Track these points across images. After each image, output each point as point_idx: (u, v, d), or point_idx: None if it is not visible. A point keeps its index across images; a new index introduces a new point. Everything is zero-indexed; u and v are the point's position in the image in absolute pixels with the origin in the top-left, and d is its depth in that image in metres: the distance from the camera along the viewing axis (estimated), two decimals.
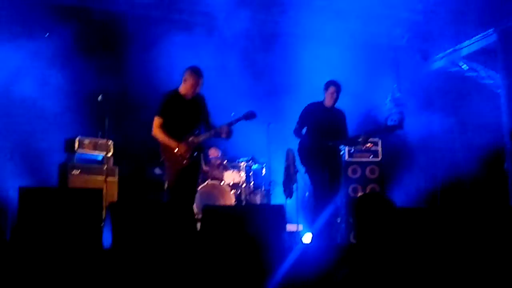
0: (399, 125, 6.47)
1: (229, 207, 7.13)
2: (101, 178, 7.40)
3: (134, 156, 8.45)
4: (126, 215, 4.84)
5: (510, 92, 9.43)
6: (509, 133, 8.67)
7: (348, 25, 9.53)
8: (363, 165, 8.23)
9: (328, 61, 8.64)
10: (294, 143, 6.84)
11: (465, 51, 10.18)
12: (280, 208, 5.19)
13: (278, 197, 8.54)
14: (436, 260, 4.77)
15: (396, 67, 10.19)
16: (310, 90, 7.24)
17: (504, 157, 9.06)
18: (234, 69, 9.13)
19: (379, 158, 8.28)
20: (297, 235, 7.80)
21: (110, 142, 7.78)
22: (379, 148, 8.27)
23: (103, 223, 4.98)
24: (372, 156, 8.30)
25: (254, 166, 8.52)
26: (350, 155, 8.24)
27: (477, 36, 9.97)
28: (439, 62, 10.25)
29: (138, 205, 5.06)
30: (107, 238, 4.84)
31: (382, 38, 10.23)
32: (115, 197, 7.41)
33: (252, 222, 5.05)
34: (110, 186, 7.32)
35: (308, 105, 6.67)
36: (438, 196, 9.10)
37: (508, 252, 5.00)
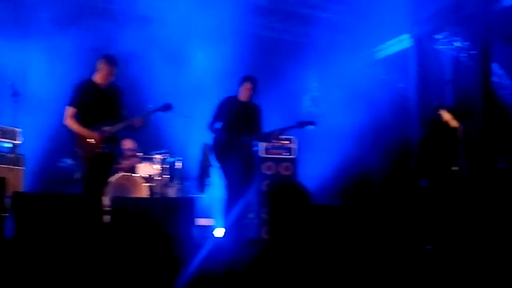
0: (312, 121, 6.55)
1: (139, 199, 7.05)
2: (6, 166, 7.13)
3: (45, 145, 8.23)
4: (30, 205, 4.73)
5: (420, 96, 9.81)
6: (418, 142, 8.99)
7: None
8: (278, 161, 8.32)
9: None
10: (210, 138, 6.82)
11: (380, 54, 10.52)
12: (190, 202, 5.18)
13: (192, 191, 8.52)
14: (347, 256, 4.89)
15: (319, 66, 10.35)
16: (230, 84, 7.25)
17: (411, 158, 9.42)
18: (155, 61, 9.04)
19: (294, 155, 8.39)
20: (209, 230, 7.80)
21: (18, 130, 7.50)
22: (294, 146, 8.38)
23: (6, 213, 4.83)
24: (287, 153, 8.40)
25: (170, 160, 8.45)
26: (265, 151, 8.31)
27: (392, 40, 10.34)
28: (356, 64, 10.51)
29: (43, 195, 4.97)
30: (10, 228, 4.73)
31: (304, 37, 10.40)
32: (20, 187, 7.15)
33: (160, 214, 5.02)
34: (15, 175, 7.06)
35: (224, 99, 6.64)
36: (349, 194, 9.35)
37: (415, 249, 5.20)
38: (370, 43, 10.39)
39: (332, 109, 9.70)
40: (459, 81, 9.11)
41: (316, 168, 9.50)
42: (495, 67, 9.23)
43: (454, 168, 7.10)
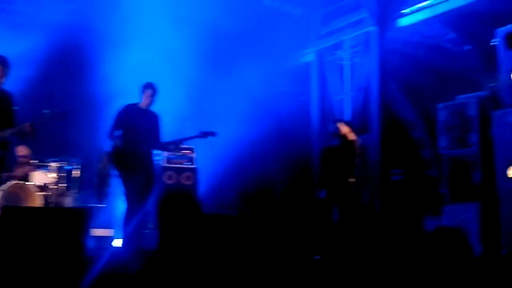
0: (213, 132, 6.54)
1: (31, 208, 6.74)
2: None
3: None
4: None
5: (321, 109, 10.08)
6: (318, 153, 9.17)
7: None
8: (179, 171, 8.25)
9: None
10: (109, 146, 6.65)
11: (283, 67, 10.73)
12: (84, 212, 5.02)
13: (91, 201, 8.27)
14: (238, 265, 4.89)
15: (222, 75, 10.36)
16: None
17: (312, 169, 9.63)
18: (50, 63, 8.75)
19: (195, 165, 8.36)
20: (108, 240, 7.61)
21: None
22: (194, 155, 8.36)
23: None
24: (188, 162, 8.35)
25: (66, 168, 8.16)
26: (167, 160, 8.22)
27: (296, 54, 10.58)
28: (258, 75, 10.63)
29: None
30: None
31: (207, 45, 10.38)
32: None
33: (54, 225, 4.83)
34: None
35: (123, 106, 6.49)
36: (249, 203, 9.42)
37: (304, 258, 5.28)
38: (274, 55, 10.55)
39: (234, 119, 9.74)
40: (357, 95, 9.43)
41: (217, 177, 9.52)
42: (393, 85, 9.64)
43: (351, 180, 7.30)
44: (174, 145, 6.41)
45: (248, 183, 9.84)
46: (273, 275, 4.85)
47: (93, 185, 8.27)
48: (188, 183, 8.27)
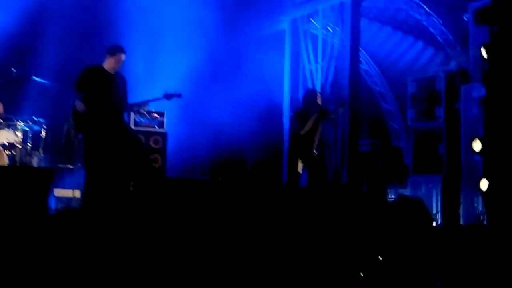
0: (179, 94, 6.35)
1: None
2: None
3: None
4: None
5: (292, 77, 10.09)
6: (292, 114, 9.19)
7: None
8: (148, 134, 8.21)
9: None
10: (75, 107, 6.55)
11: (257, 35, 10.69)
12: (48, 172, 5.00)
13: (58, 161, 8.22)
14: (214, 231, 4.93)
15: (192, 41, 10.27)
16: None
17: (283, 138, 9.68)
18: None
19: (164, 129, 8.33)
20: (72, 201, 7.57)
21: None
22: (165, 119, 8.32)
23: None
24: (157, 126, 8.32)
25: (33, 127, 8.05)
26: (135, 124, 8.17)
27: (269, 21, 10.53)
28: (232, 42, 10.58)
29: None
30: None
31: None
32: None
33: (17, 183, 4.80)
34: None
35: (88, 69, 6.29)
36: (219, 170, 9.46)
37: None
38: (248, 22, 10.49)
39: (205, 85, 9.72)
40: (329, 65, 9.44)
41: (188, 143, 9.52)
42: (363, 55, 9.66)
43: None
44: (137, 107, 6.29)
45: (220, 151, 9.84)
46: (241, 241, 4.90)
47: (60, 146, 8.23)
48: (156, 147, 8.24)
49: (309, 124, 7.08)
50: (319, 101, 7.37)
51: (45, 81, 7.67)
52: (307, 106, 7.30)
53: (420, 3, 9.60)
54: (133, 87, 6.38)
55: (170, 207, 5.17)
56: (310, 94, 7.60)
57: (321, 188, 6.92)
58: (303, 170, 7.36)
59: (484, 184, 6.17)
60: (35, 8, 8.73)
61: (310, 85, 9.68)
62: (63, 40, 8.80)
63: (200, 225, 5.07)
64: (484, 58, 6.37)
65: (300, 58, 10.10)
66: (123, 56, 6.24)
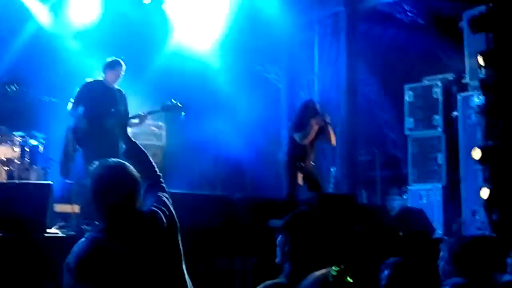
0: (177, 105, 6.12)
1: None
2: None
3: None
4: None
5: (289, 87, 10.07)
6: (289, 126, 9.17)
7: None
8: (146, 148, 8.17)
9: None
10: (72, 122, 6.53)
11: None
12: (46, 187, 4.97)
13: (55, 176, 8.16)
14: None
15: None
16: None
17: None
18: None
19: (163, 143, 8.30)
20: (71, 216, 7.51)
21: None
22: (164, 132, 8.29)
23: None
24: (156, 140, 8.29)
25: (31, 142, 8.02)
26: (132, 137, 8.14)
27: None
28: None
29: None
30: None
31: None
32: None
33: (15, 200, 4.78)
34: None
35: (87, 84, 6.30)
36: (217, 185, 9.37)
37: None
38: None
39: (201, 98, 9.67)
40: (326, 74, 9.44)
41: (186, 155, 9.46)
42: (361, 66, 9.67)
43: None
44: (139, 120, 6.26)
45: (218, 165, 9.76)
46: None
47: (58, 160, 8.18)
48: (155, 161, 8.18)
49: (312, 134, 7.04)
50: (317, 110, 7.34)
51: (44, 96, 7.65)
52: (305, 116, 7.27)
53: (417, 11, 9.61)
54: (132, 101, 6.38)
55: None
56: (308, 103, 7.57)
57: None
58: (303, 182, 7.29)
59: (484, 193, 6.16)
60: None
61: (308, 95, 9.67)
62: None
63: (199, 238, 5.06)
64: (481, 65, 6.38)
65: (297, 68, 10.09)
66: (122, 70, 6.26)
